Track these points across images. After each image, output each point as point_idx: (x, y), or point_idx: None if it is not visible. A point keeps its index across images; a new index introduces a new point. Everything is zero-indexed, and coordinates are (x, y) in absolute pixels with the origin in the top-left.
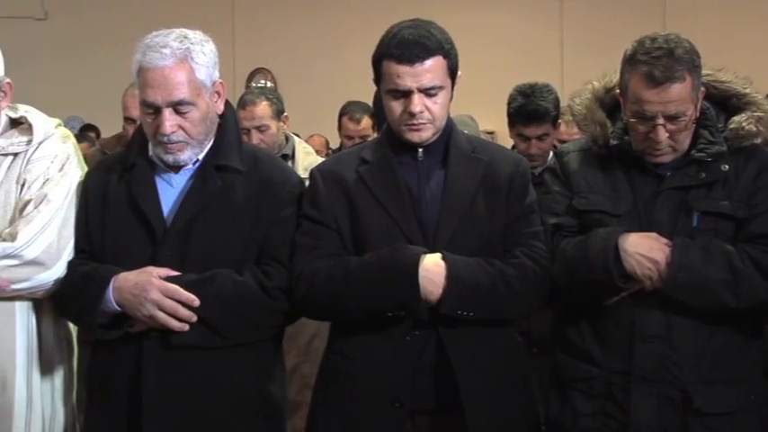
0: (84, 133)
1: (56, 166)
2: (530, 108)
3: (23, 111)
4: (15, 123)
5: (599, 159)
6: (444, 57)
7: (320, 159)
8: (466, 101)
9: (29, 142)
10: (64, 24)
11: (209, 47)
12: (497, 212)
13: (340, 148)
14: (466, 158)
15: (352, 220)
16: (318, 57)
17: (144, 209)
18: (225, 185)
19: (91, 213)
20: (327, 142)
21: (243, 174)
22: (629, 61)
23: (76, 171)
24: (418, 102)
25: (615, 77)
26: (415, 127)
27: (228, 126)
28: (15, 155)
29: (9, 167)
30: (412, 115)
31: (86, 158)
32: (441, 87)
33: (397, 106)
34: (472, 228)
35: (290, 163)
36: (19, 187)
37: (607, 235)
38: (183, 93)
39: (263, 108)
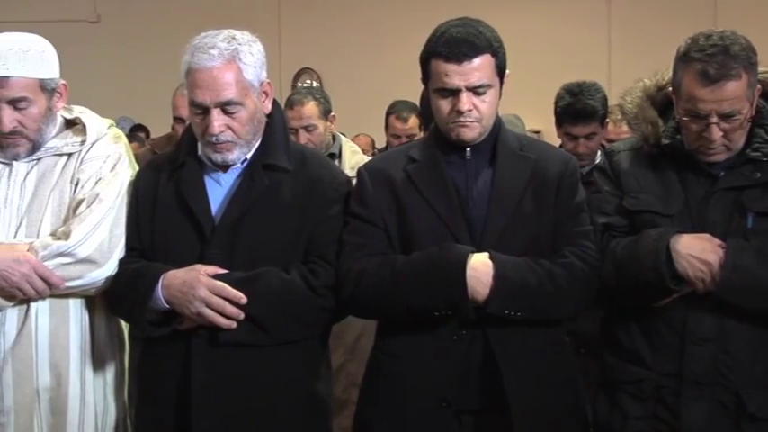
0: (134, 133)
1: (108, 166)
2: (578, 107)
3: (78, 112)
4: (70, 124)
5: (650, 159)
6: (493, 55)
7: (366, 158)
8: (512, 100)
9: (82, 142)
10: (115, 27)
11: (257, 47)
12: (546, 211)
13: (386, 148)
14: (514, 157)
15: (400, 219)
16: (364, 56)
17: (193, 207)
18: (272, 184)
19: (141, 212)
20: (373, 142)
21: (290, 173)
22: (683, 59)
23: (128, 171)
24: (466, 100)
25: (667, 75)
26: (462, 126)
27: (276, 125)
28: (69, 155)
29: (64, 167)
30: (460, 114)
31: (137, 158)
32: (489, 86)
33: (444, 105)
34: (520, 227)
35: (336, 162)
36: (72, 187)
37: (658, 236)
38: (231, 93)
39: (310, 108)
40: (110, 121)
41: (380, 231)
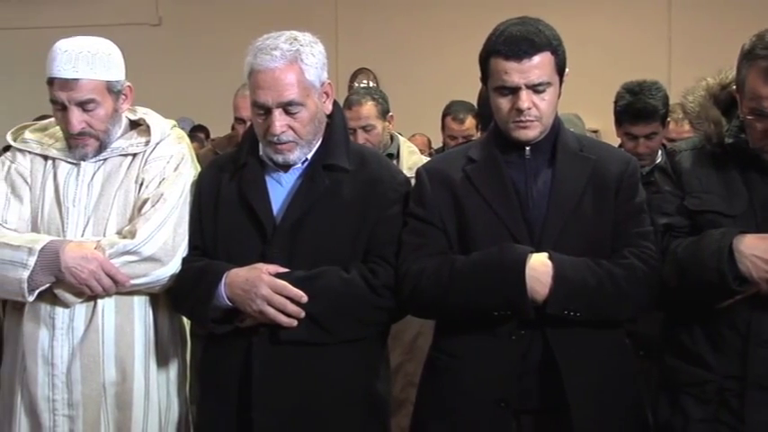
0: (194, 134)
1: (171, 166)
2: (638, 106)
3: (142, 113)
4: (135, 125)
5: (713, 158)
6: (552, 53)
7: (424, 158)
8: (570, 99)
9: (147, 143)
10: (176, 30)
11: (318, 48)
12: (606, 212)
13: (443, 149)
14: (574, 157)
15: (459, 220)
16: (420, 56)
17: (255, 207)
18: (333, 184)
19: (204, 211)
20: (429, 142)
21: (350, 173)
22: (747, 56)
23: (190, 170)
24: (526, 98)
25: (731, 74)
26: (522, 124)
27: (336, 126)
28: (134, 155)
29: (129, 167)
30: (519, 112)
31: (199, 158)
32: (548, 84)
33: (504, 103)
34: (580, 227)
35: (394, 162)
36: (137, 186)
37: (721, 236)
38: (292, 94)
39: (368, 108)
40: (173, 122)
41: (439, 231)
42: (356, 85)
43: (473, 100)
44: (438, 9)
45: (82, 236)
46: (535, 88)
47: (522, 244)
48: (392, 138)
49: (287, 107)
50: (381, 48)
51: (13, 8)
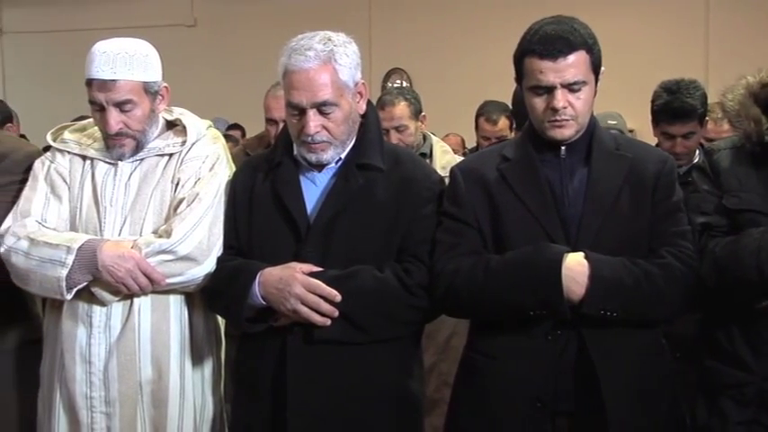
0: (230, 133)
1: (207, 166)
2: (675, 105)
3: (178, 113)
4: (171, 125)
5: (752, 157)
6: (588, 52)
7: (458, 158)
8: (606, 98)
9: (183, 143)
10: (211, 30)
11: (352, 48)
12: (642, 211)
13: (477, 149)
14: (610, 156)
15: (493, 219)
16: (454, 56)
17: (288, 206)
18: (367, 183)
19: (239, 211)
20: (463, 141)
21: (384, 172)
22: None
23: (225, 170)
24: (561, 97)
25: None
26: (558, 123)
27: (370, 125)
28: (170, 155)
29: (165, 167)
30: (555, 111)
31: (231, 158)
32: (584, 83)
33: (539, 103)
34: (616, 226)
35: (427, 161)
36: (173, 186)
37: (761, 234)
38: (326, 94)
39: (401, 108)
40: (208, 122)
41: (474, 231)
42: (389, 84)
43: (507, 99)
44: (471, 8)
45: (119, 235)
46: (570, 87)
47: (557, 243)
48: (425, 137)
49: (321, 107)
50: (415, 47)
51: (54, 11)
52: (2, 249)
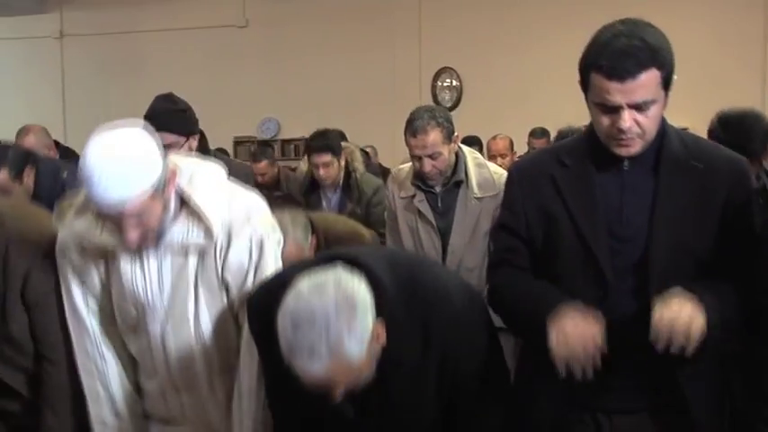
0: (264, 148)
1: (255, 257)
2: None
3: (189, 188)
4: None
5: None
6: (659, 68)
7: (492, 167)
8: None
9: (207, 233)
10: (263, 31)
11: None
12: (711, 226)
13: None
14: (680, 168)
15: (545, 228)
16: (504, 56)
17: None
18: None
19: None
20: (512, 143)
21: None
22: None
23: (273, 242)
24: (628, 118)
25: None
26: (624, 142)
27: None
28: (200, 249)
29: (201, 264)
30: (621, 131)
31: (289, 178)
32: (653, 101)
33: (604, 120)
34: (684, 248)
35: (465, 188)
36: (223, 287)
37: None
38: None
39: (434, 136)
40: (226, 191)
41: (522, 244)
42: (439, 84)
43: (556, 100)
44: (523, 8)
45: (163, 334)
46: (638, 107)
47: (603, 264)
48: (457, 158)
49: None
50: (465, 46)
51: (111, 14)
52: None
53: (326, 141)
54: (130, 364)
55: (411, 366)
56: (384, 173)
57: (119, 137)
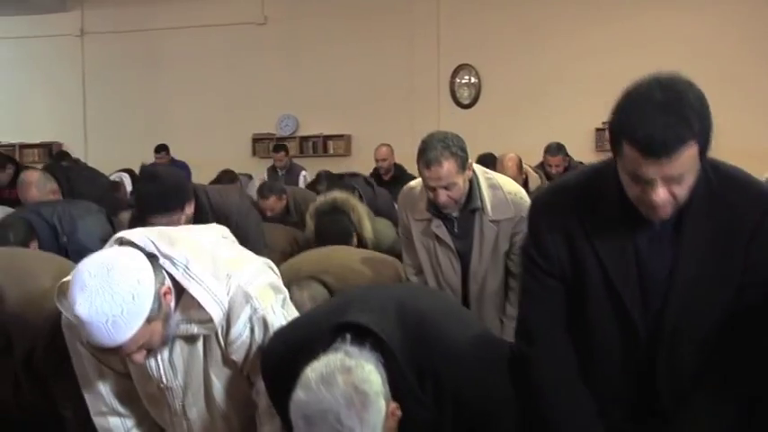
0: (271, 184)
1: (258, 334)
2: None
3: (183, 275)
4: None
5: None
6: (698, 141)
7: (507, 186)
8: None
9: (209, 321)
10: (281, 28)
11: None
12: (738, 278)
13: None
14: (704, 215)
15: (573, 270)
16: (523, 53)
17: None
18: None
19: None
20: (521, 163)
21: None
22: None
23: (276, 319)
24: (662, 193)
25: None
26: (655, 211)
27: None
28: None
29: (207, 347)
30: (653, 202)
31: (297, 195)
32: (690, 172)
33: (636, 188)
34: (705, 301)
35: (480, 215)
36: (231, 364)
37: None
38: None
39: (449, 167)
40: (222, 270)
41: (557, 283)
42: (458, 81)
43: (575, 96)
44: (541, 4)
45: (183, 406)
46: (673, 179)
47: (634, 313)
48: (471, 184)
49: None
50: (483, 43)
51: (131, 12)
52: None
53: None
54: (147, 419)
55: (426, 424)
56: (401, 174)
57: (103, 283)
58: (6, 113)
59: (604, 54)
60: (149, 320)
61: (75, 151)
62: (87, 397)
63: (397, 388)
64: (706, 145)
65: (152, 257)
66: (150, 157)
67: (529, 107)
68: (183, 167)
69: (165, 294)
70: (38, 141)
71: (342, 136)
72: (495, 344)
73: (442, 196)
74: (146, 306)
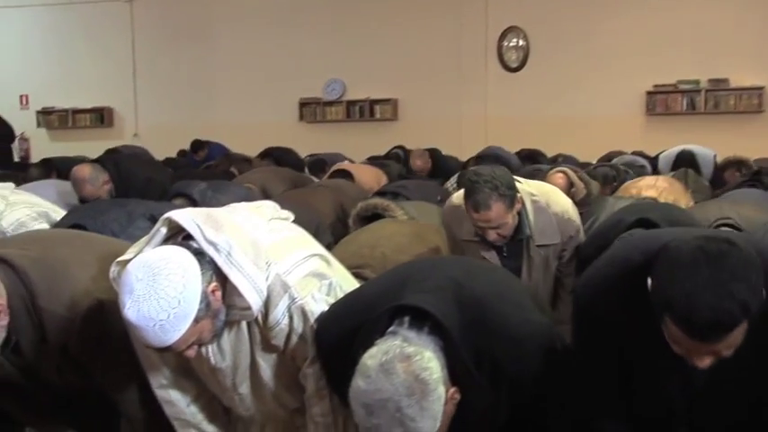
0: (322, 162)
1: (298, 324)
2: None
3: (225, 261)
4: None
5: None
6: (747, 317)
7: (553, 205)
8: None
9: (248, 308)
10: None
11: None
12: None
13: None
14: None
15: (621, 353)
16: (573, 16)
17: None
18: None
19: None
20: (569, 181)
21: None
22: None
23: (319, 304)
24: (708, 361)
25: None
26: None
27: None
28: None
29: (249, 332)
30: (696, 365)
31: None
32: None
33: (679, 349)
34: (737, 384)
35: (529, 241)
36: (273, 348)
37: None
38: None
39: (497, 209)
40: (263, 259)
41: (614, 363)
42: (505, 44)
43: (625, 65)
44: None
45: (234, 386)
46: (720, 353)
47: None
48: (519, 214)
49: None
50: (533, 5)
51: None
52: None
53: None
54: (206, 391)
55: (483, 406)
56: (445, 162)
57: (149, 288)
58: (59, 79)
59: (656, 15)
60: (197, 320)
61: (126, 116)
62: (148, 372)
63: (454, 371)
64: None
65: (199, 254)
66: (198, 121)
67: (578, 70)
68: (220, 150)
69: (212, 292)
70: (90, 107)
71: (388, 100)
72: (550, 329)
73: (492, 235)
74: (192, 308)
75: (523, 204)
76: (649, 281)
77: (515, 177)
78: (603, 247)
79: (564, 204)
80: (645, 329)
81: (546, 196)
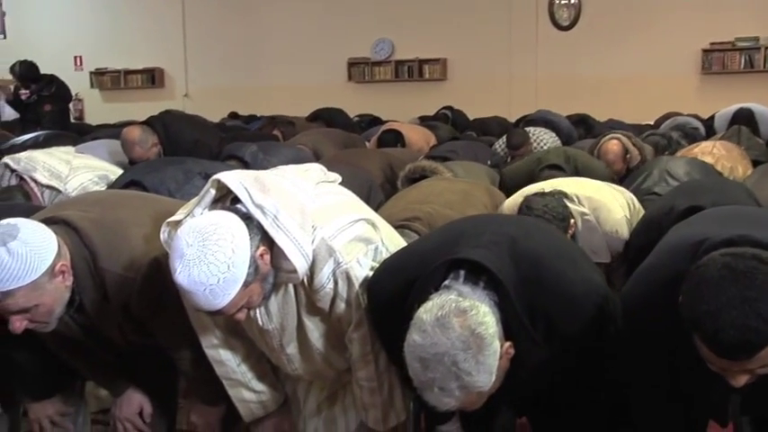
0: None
1: (343, 288)
2: None
3: (277, 237)
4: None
5: None
6: None
7: (609, 227)
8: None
9: (295, 271)
10: None
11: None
12: None
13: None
14: None
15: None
16: None
17: None
18: None
19: None
20: (624, 149)
21: None
22: None
23: (362, 272)
24: (742, 380)
25: None
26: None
27: None
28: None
29: (296, 295)
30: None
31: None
32: None
33: (712, 366)
34: None
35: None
36: (318, 311)
37: None
38: None
39: None
40: (309, 222)
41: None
42: (557, 2)
43: (679, 25)
44: None
45: (281, 346)
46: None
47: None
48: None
49: None
50: None
51: None
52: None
53: None
54: (255, 350)
55: (536, 362)
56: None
57: (199, 253)
58: (112, 41)
59: None
60: (246, 285)
61: (176, 77)
62: (199, 332)
63: (509, 327)
64: None
65: (247, 219)
66: (247, 82)
67: (630, 28)
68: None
69: (261, 256)
70: (140, 67)
71: (437, 60)
72: (605, 289)
73: None
74: (242, 272)
75: (577, 227)
76: (680, 298)
77: (567, 195)
78: (655, 238)
79: (615, 222)
80: (687, 339)
81: (597, 212)
